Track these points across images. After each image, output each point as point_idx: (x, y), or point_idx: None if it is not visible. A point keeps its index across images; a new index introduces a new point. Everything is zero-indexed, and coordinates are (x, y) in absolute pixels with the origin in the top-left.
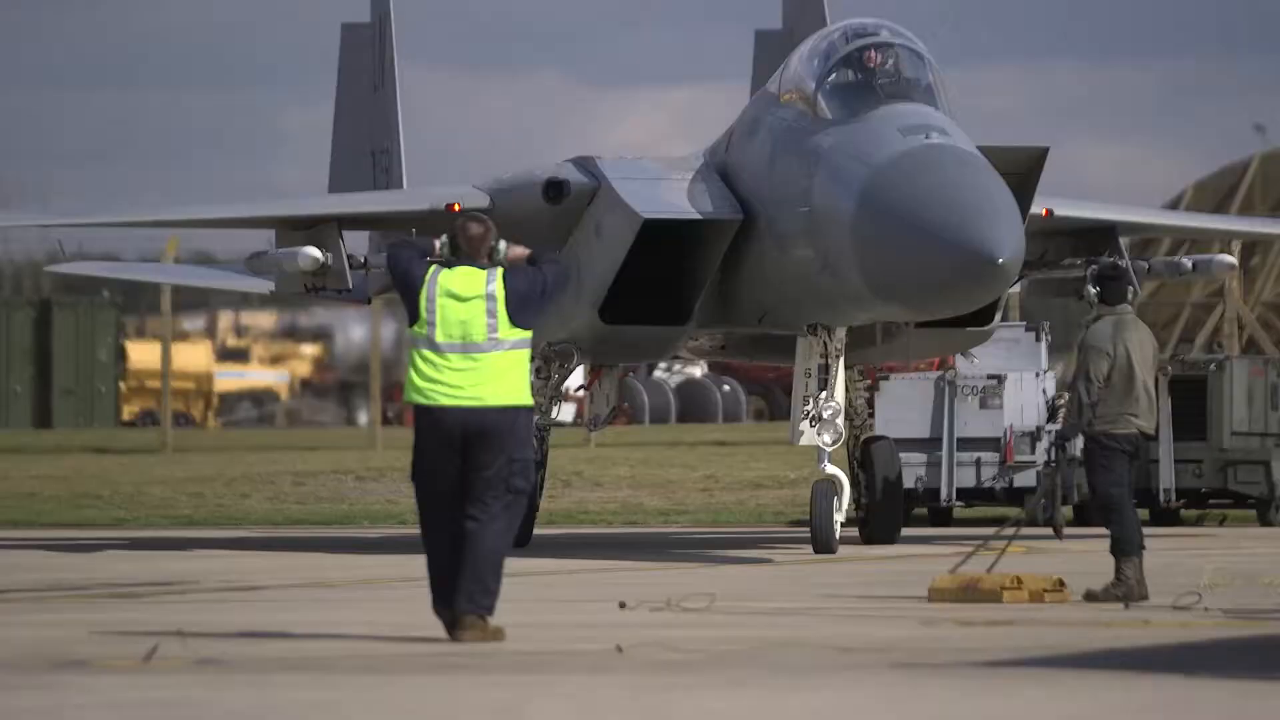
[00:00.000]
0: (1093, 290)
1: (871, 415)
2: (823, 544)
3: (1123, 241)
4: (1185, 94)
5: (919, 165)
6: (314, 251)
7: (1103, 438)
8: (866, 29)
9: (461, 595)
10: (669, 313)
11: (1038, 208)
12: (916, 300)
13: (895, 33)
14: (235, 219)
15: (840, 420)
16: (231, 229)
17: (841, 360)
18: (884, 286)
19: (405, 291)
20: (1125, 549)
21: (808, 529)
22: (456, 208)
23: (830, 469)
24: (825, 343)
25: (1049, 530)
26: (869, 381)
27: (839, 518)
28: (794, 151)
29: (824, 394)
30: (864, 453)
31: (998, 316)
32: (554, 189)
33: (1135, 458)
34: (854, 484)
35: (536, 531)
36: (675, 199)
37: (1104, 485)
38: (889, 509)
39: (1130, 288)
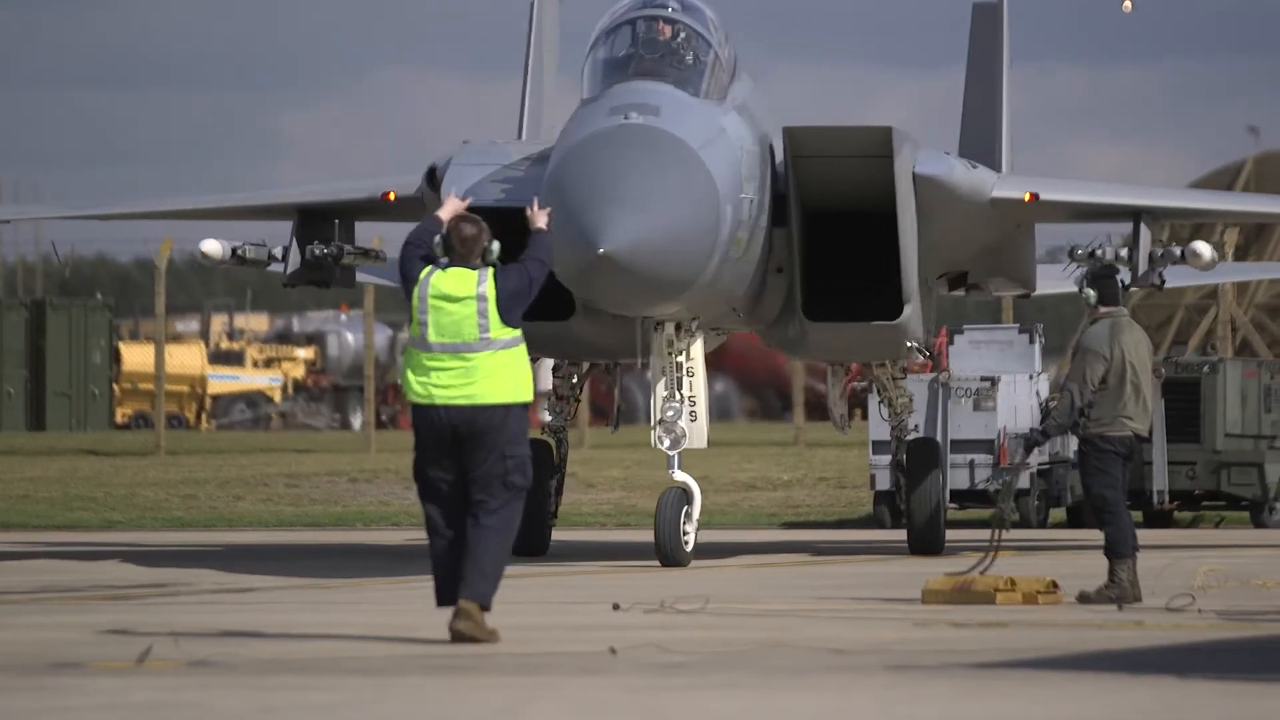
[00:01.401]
0: (1090, 292)
1: (912, 417)
2: (667, 557)
3: (1145, 231)
4: (1181, 97)
5: (596, 146)
6: (210, 245)
7: (1098, 440)
8: (643, 4)
9: (462, 584)
10: (558, 308)
11: (1018, 192)
12: (575, 289)
13: (683, 7)
14: (201, 210)
15: (683, 423)
16: (210, 220)
17: (689, 356)
18: (560, 273)
19: (405, 292)
20: (1119, 551)
21: (799, 531)
22: (391, 196)
23: (679, 475)
24: (672, 340)
25: (1030, 532)
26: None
27: (689, 528)
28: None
29: (666, 395)
30: (906, 456)
31: (906, 310)
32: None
33: (1129, 460)
34: (897, 490)
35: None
36: (488, 190)
37: (1098, 487)
38: (924, 517)
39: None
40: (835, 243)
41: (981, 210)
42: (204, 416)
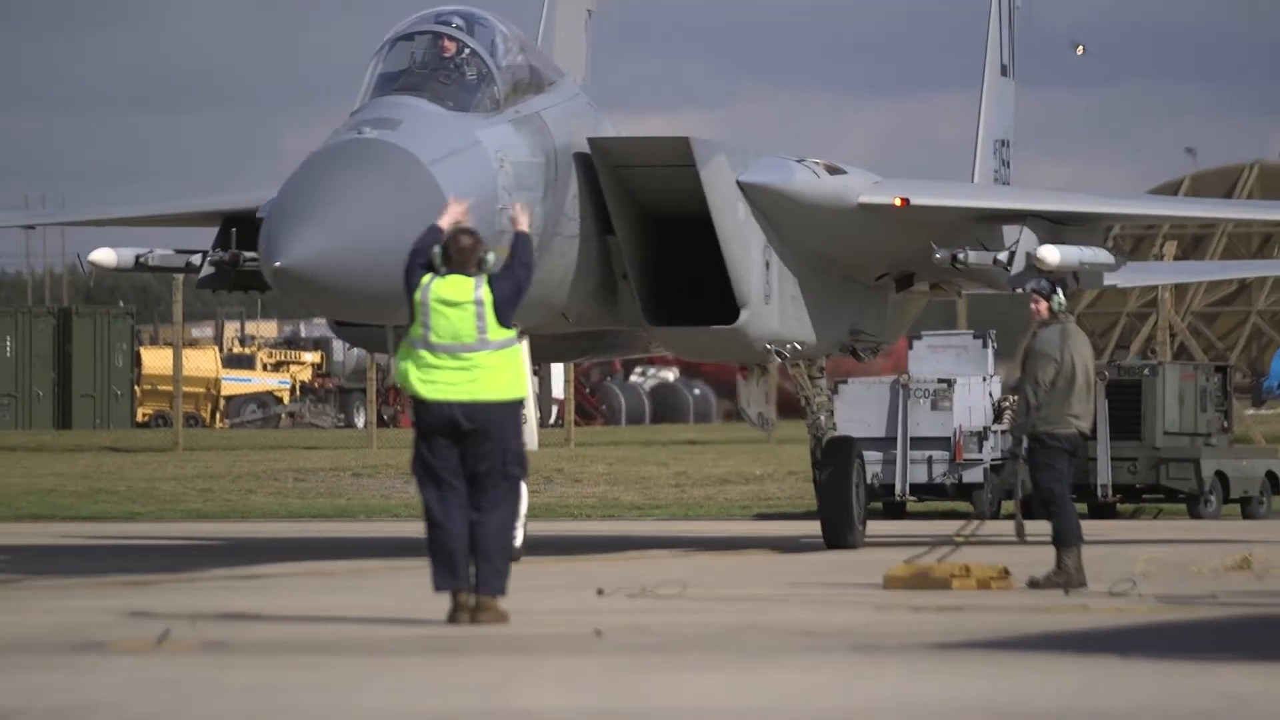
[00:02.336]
0: (1061, 299)
1: (829, 416)
2: None
3: (1028, 234)
4: (1121, 119)
5: (319, 160)
6: (101, 254)
7: (1046, 437)
8: (425, 20)
9: (479, 582)
10: None
11: (887, 197)
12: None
13: (467, 25)
14: (135, 218)
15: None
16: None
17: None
18: None
19: (407, 298)
20: (1065, 540)
21: (771, 522)
22: None
23: None
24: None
25: (1007, 527)
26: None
27: (518, 530)
28: None
29: None
30: (821, 453)
31: (743, 314)
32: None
33: (1075, 456)
34: (815, 485)
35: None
36: None
37: (1046, 481)
38: (835, 512)
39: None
40: (690, 249)
41: (852, 215)
42: (218, 416)
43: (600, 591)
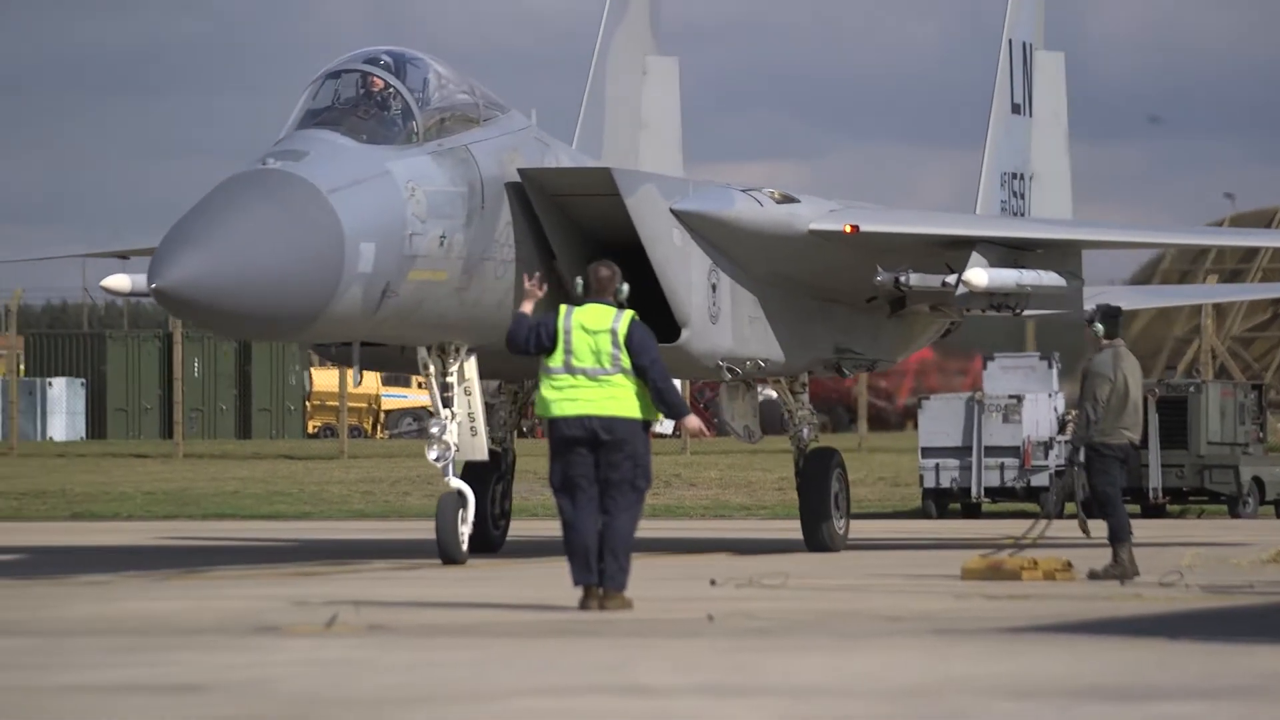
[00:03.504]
0: (1100, 327)
1: (811, 429)
2: (446, 555)
3: (977, 258)
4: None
5: (220, 189)
6: (115, 280)
7: (1101, 447)
8: (354, 59)
9: (606, 577)
10: None
11: (837, 224)
12: None
13: (394, 64)
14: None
15: (449, 437)
16: None
17: (457, 379)
18: None
19: (541, 342)
20: (1120, 536)
21: (862, 521)
22: None
23: (455, 483)
24: (426, 363)
25: (1070, 526)
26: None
27: (464, 529)
28: None
29: (438, 410)
30: (804, 464)
31: (684, 333)
32: None
33: (1126, 463)
34: (798, 492)
35: (642, 523)
36: None
37: (1101, 485)
38: (815, 518)
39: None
40: (637, 271)
41: (804, 242)
42: (378, 428)
43: (713, 582)
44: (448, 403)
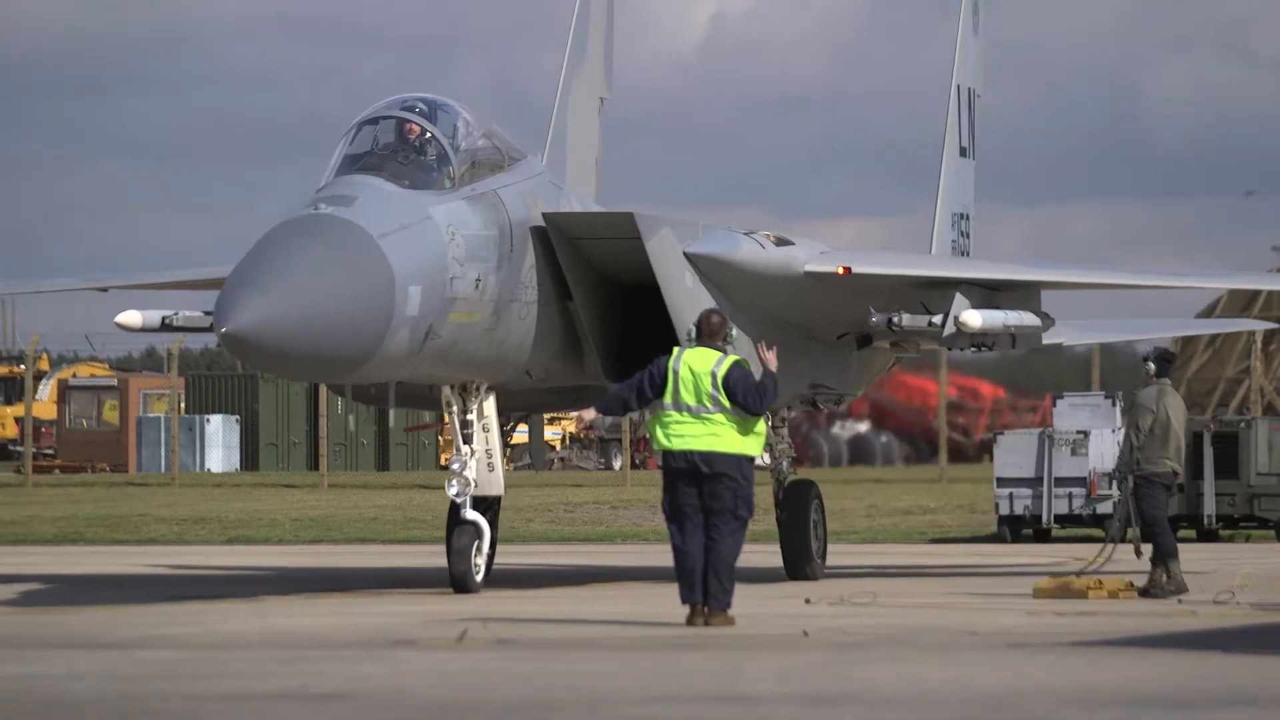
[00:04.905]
0: (1152, 366)
1: (792, 461)
2: (459, 584)
3: (960, 299)
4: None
5: (276, 233)
6: (128, 316)
7: (1149, 475)
8: (391, 105)
9: (710, 596)
10: None
11: (830, 266)
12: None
13: (429, 111)
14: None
15: (469, 473)
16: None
17: (477, 416)
18: None
19: (645, 394)
20: (1168, 553)
21: (943, 545)
22: None
23: (470, 515)
24: (450, 401)
25: (1125, 548)
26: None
27: (479, 560)
28: None
29: (459, 448)
30: (784, 495)
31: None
32: None
33: (1170, 489)
34: (777, 523)
35: (746, 547)
36: None
37: (1149, 509)
38: (795, 547)
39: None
40: (648, 311)
41: (799, 282)
42: (505, 460)
43: (808, 600)
44: (468, 439)
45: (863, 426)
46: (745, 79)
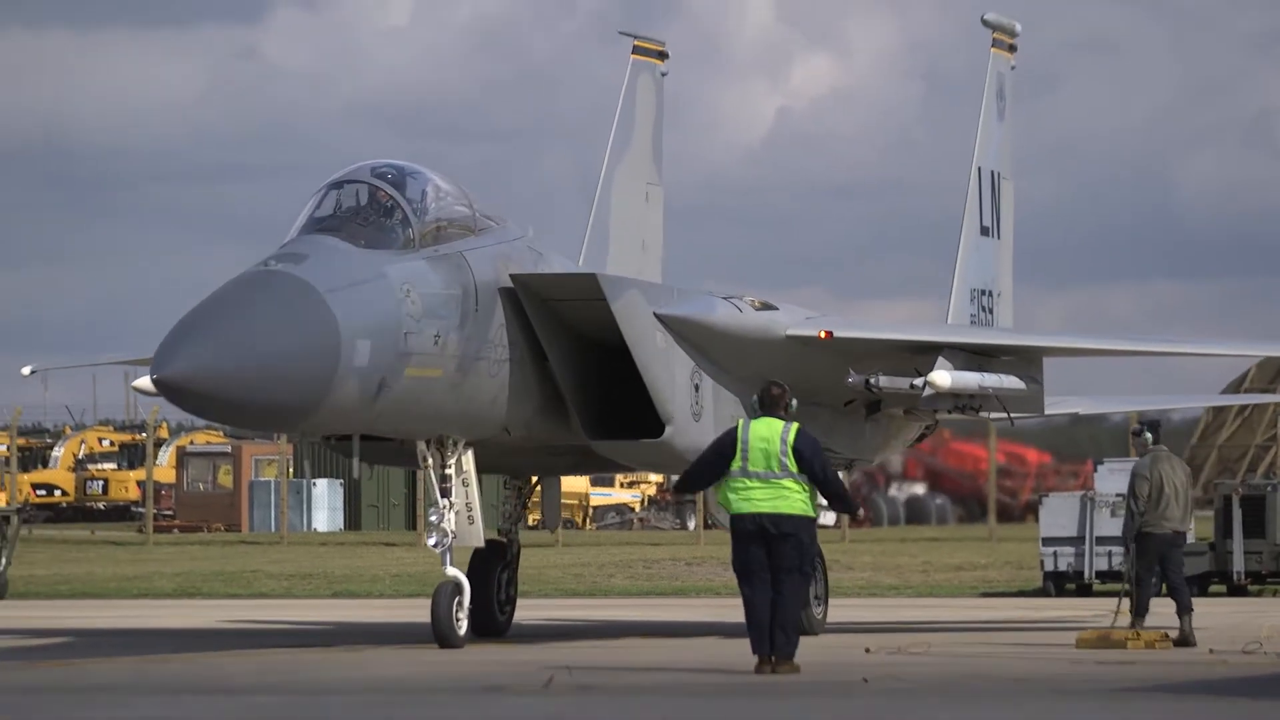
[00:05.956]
0: (1148, 435)
1: None
2: (442, 639)
3: (943, 363)
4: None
5: (225, 286)
6: (142, 381)
7: (1151, 536)
8: (360, 170)
9: (777, 646)
10: None
11: (812, 330)
12: None
13: (397, 176)
14: None
15: (447, 525)
16: None
17: (455, 471)
18: None
19: (719, 468)
20: (1184, 607)
21: (993, 599)
22: None
23: (451, 571)
24: (425, 455)
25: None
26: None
27: (461, 615)
28: None
29: (437, 501)
30: None
31: (667, 429)
32: None
33: (1175, 546)
34: None
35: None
36: None
37: (1142, 568)
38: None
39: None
40: (627, 370)
41: (782, 345)
42: (587, 520)
43: (867, 650)
44: (446, 493)
45: (919, 489)
46: (807, 167)
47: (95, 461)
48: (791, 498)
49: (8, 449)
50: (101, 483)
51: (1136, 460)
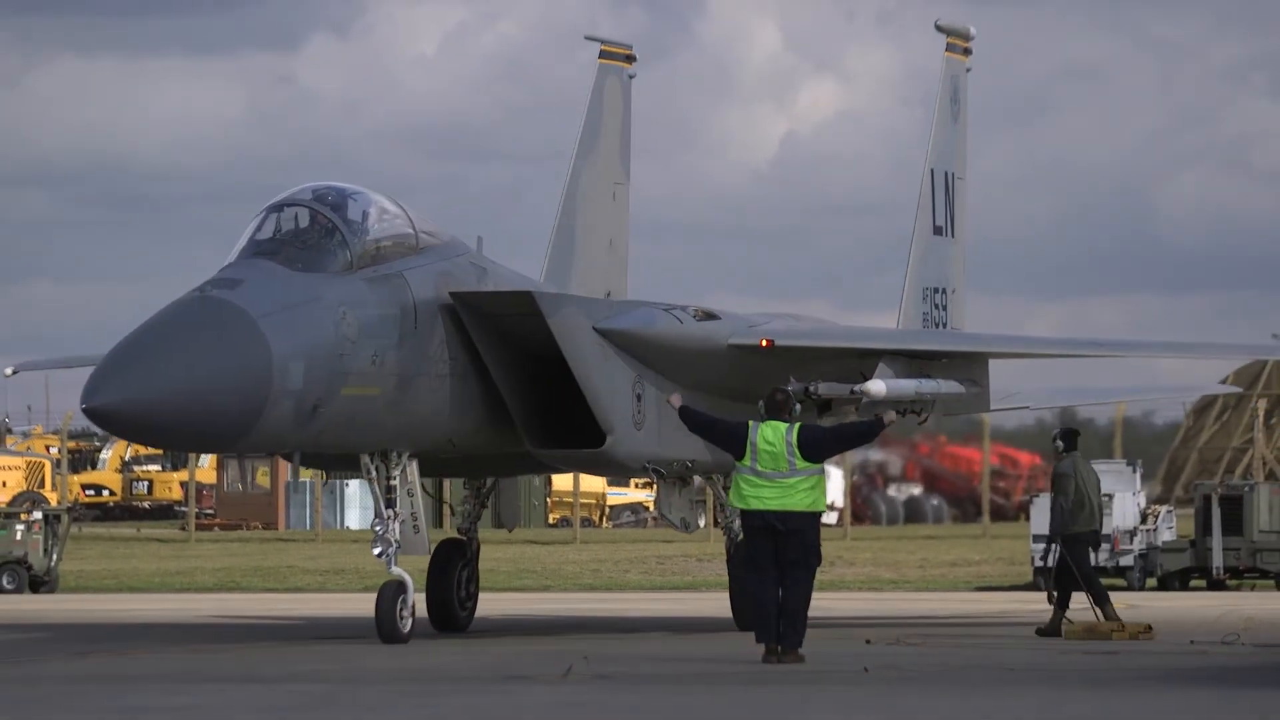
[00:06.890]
0: (1060, 443)
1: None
2: (386, 635)
3: (883, 369)
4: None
5: (159, 315)
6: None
7: (1076, 534)
8: (300, 193)
9: (783, 637)
10: None
11: (753, 339)
12: None
13: (337, 198)
14: None
15: (391, 535)
16: None
17: (400, 482)
18: None
19: (726, 443)
20: (1101, 597)
21: (986, 592)
22: None
23: (395, 571)
24: (369, 467)
25: (1133, 595)
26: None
27: (406, 612)
28: None
29: (380, 512)
30: (735, 552)
31: (608, 439)
32: None
33: (1095, 545)
34: (730, 580)
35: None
36: None
37: (1082, 566)
38: (741, 600)
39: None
40: (569, 381)
41: (725, 354)
42: (604, 519)
43: (868, 641)
44: (390, 504)
45: (916, 490)
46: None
47: (141, 463)
48: (798, 495)
49: (59, 451)
50: (147, 483)
51: (1058, 463)
